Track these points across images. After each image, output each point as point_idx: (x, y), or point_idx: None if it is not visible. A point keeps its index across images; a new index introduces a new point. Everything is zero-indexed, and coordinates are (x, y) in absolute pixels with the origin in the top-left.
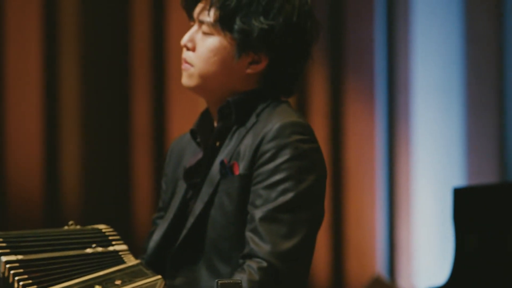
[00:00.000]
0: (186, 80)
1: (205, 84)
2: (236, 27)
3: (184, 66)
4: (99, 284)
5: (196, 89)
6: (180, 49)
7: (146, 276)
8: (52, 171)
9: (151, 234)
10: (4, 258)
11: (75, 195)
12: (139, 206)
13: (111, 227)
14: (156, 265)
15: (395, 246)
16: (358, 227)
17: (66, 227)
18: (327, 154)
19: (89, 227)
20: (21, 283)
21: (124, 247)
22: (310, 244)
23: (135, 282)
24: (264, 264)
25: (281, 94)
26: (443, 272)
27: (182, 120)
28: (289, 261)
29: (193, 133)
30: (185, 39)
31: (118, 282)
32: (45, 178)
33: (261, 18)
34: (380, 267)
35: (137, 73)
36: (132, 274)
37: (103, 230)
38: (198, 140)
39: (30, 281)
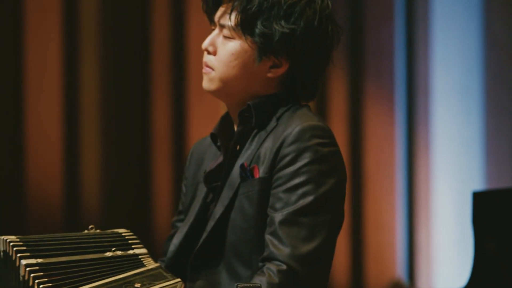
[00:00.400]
0: (207, 83)
1: (225, 88)
2: (257, 31)
3: (205, 69)
4: (118, 287)
5: (216, 93)
6: (200, 53)
7: (165, 279)
8: (72, 175)
9: (170, 237)
10: (24, 262)
11: (95, 200)
12: (159, 210)
13: (131, 231)
14: (176, 268)
15: (415, 250)
16: (377, 231)
17: (86, 231)
18: (346, 158)
19: (109, 231)
20: (41, 286)
21: (143, 250)
22: (330, 247)
23: (155, 285)
24: (284, 267)
25: (302, 98)
26: (463, 275)
27: (202, 124)
28: (309, 264)
29: (213, 137)
30: (206, 43)
31: (137, 285)
32: (65, 182)
33: (282, 22)
34: (399, 270)
35: (157, 77)
36: (151, 277)
37: (123, 234)
38: (219, 144)
39: (49, 284)
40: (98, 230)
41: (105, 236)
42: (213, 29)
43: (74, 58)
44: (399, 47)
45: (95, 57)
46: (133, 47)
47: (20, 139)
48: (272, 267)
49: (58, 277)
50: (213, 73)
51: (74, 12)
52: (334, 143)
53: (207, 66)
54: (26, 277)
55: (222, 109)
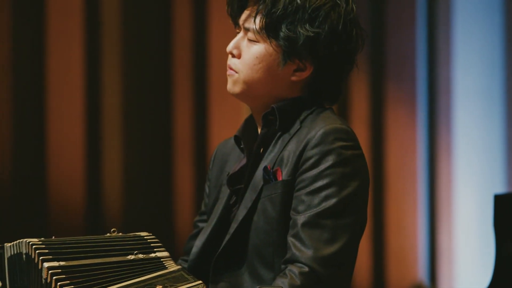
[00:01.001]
0: (231, 86)
1: (249, 91)
2: (281, 34)
3: (229, 72)
4: None
5: (240, 96)
6: (222, 56)
7: (187, 281)
8: (94, 178)
9: (192, 236)
10: (46, 264)
11: (117, 202)
12: (180, 213)
13: (153, 233)
14: (199, 270)
15: (436, 253)
16: (399, 234)
17: (108, 235)
18: (368, 161)
19: (131, 234)
20: None
21: (166, 253)
22: (352, 250)
23: (176, 286)
24: (306, 269)
25: (325, 102)
26: (484, 278)
27: (224, 126)
28: (331, 267)
29: (237, 139)
30: (230, 46)
31: (159, 287)
32: (87, 185)
33: (307, 26)
34: (421, 273)
35: (179, 80)
36: (173, 279)
37: (145, 237)
38: (242, 146)
39: (71, 287)
40: (120, 234)
41: (127, 239)
42: (238, 32)
43: (96, 61)
44: (421, 50)
45: (117, 60)
46: (155, 50)
47: (42, 142)
48: (294, 269)
49: (80, 280)
50: (237, 76)
51: (96, 15)
52: (357, 146)
53: (231, 69)
54: (49, 280)
55: (244, 111)
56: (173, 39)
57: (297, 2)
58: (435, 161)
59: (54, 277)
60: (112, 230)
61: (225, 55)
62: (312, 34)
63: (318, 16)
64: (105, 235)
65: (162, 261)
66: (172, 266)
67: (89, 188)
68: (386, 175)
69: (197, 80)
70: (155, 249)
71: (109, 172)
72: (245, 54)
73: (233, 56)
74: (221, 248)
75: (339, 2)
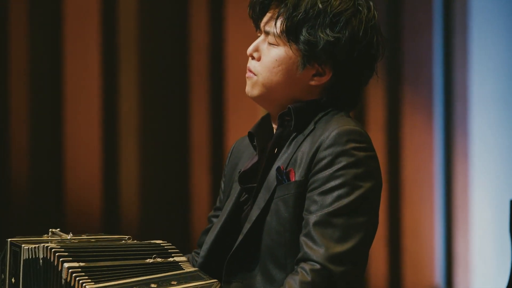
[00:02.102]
0: (250, 89)
1: (267, 94)
2: (302, 38)
3: (248, 74)
4: (155, 283)
5: (258, 99)
6: (237, 61)
7: (202, 279)
8: (110, 182)
9: (206, 231)
10: (66, 265)
11: (134, 206)
12: (197, 218)
13: (169, 237)
14: (209, 267)
15: (453, 258)
16: (415, 239)
17: (123, 242)
18: (384, 165)
19: (147, 242)
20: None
21: (183, 258)
22: (364, 250)
23: (191, 283)
24: (317, 266)
25: (343, 107)
26: (501, 283)
27: (240, 131)
28: (344, 264)
29: (250, 135)
30: (250, 49)
31: (174, 282)
32: (104, 189)
33: (328, 30)
34: (437, 278)
35: (195, 85)
36: (189, 278)
37: (162, 244)
38: (254, 143)
39: (92, 284)
40: (135, 241)
41: (144, 245)
42: (259, 36)
43: (112, 66)
44: (437, 55)
45: (134, 65)
46: (172, 54)
47: (59, 146)
48: (305, 266)
49: (100, 278)
50: (255, 78)
51: (113, 20)
52: (370, 148)
53: (251, 71)
54: (69, 279)
55: (260, 116)
56: (190, 44)
57: (318, 7)
58: (452, 166)
59: (74, 275)
60: (127, 237)
61: (241, 60)
62: (332, 39)
63: (339, 21)
64: (121, 242)
65: (180, 264)
66: (189, 268)
67: (106, 192)
68: (402, 180)
69: (213, 84)
70: (172, 254)
71: (125, 176)
72: (265, 56)
73: (253, 58)
74: (234, 248)
75: (360, 8)
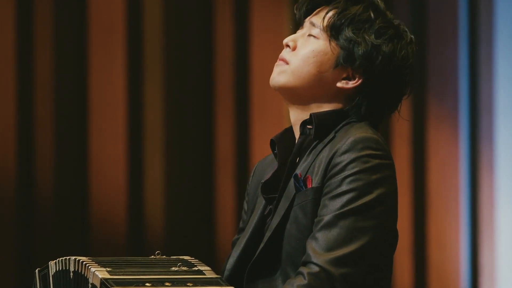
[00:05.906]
0: (276, 75)
1: (293, 84)
2: (345, 35)
3: (279, 62)
4: (169, 281)
5: (282, 89)
6: (263, 73)
7: (220, 285)
8: (136, 195)
9: (229, 258)
10: (100, 275)
11: (159, 219)
12: (222, 229)
13: (195, 250)
14: (235, 280)
15: (478, 270)
16: (440, 250)
17: (152, 257)
18: (410, 178)
19: (174, 257)
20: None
21: (208, 268)
22: (370, 255)
23: (207, 286)
24: (316, 269)
25: (365, 119)
26: None
27: (265, 143)
28: (344, 267)
29: (272, 143)
30: (287, 39)
31: (189, 284)
32: (129, 202)
33: (372, 36)
34: None
35: (220, 97)
36: (206, 282)
37: (189, 260)
38: (275, 151)
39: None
40: (164, 256)
41: (172, 259)
42: (300, 30)
43: (138, 78)
44: (462, 67)
45: (159, 77)
46: (197, 66)
47: (84, 159)
48: (303, 270)
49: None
50: (286, 67)
51: (139, 32)
52: (386, 156)
53: (282, 59)
54: (80, 269)
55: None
56: (215, 56)
57: (369, 14)
58: (477, 178)
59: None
60: (156, 252)
61: (266, 71)
62: (375, 44)
63: (386, 33)
64: (150, 257)
65: (203, 271)
66: (211, 274)
67: (131, 206)
68: (428, 191)
69: (238, 96)
70: (197, 265)
71: (151, 189)
72: (302, 46)
73: (287, 47)
74: (255, 256)
75: (404, 36)
